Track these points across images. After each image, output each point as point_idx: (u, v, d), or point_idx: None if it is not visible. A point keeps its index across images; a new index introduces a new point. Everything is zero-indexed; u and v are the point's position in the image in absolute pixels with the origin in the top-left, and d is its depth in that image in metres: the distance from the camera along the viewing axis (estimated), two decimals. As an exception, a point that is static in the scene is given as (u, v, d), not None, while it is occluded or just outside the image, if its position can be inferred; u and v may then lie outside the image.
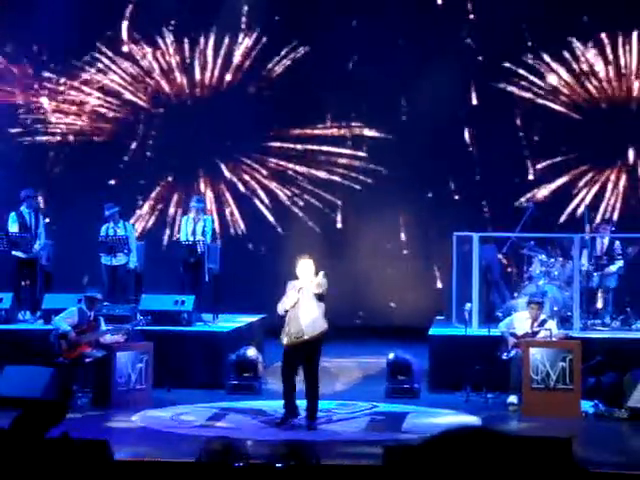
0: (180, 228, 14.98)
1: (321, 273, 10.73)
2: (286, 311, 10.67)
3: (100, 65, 18.02)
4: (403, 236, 17.79)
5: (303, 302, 10.64)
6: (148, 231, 17.71)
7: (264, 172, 18.01)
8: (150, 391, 12.18)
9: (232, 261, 15.54)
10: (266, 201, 17.96)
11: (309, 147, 18.00)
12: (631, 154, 17.28)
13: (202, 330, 13.73)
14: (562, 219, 16.99)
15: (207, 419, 11.40)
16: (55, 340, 12.07)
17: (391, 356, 12.72)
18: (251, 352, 12.94)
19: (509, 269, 15.41)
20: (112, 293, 14.47)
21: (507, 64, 17.42)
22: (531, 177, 17.55)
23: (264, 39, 17.83)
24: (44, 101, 18.09)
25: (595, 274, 14.05)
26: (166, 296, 13.86)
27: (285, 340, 10.69)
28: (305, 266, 10.74)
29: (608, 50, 17.37)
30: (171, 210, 17.92)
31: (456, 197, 17.62)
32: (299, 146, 17.96)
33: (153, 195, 18.04)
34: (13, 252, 14.27)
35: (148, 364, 12.15)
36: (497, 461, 3.98)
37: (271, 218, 17.89)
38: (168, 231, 17.70)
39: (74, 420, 9.69)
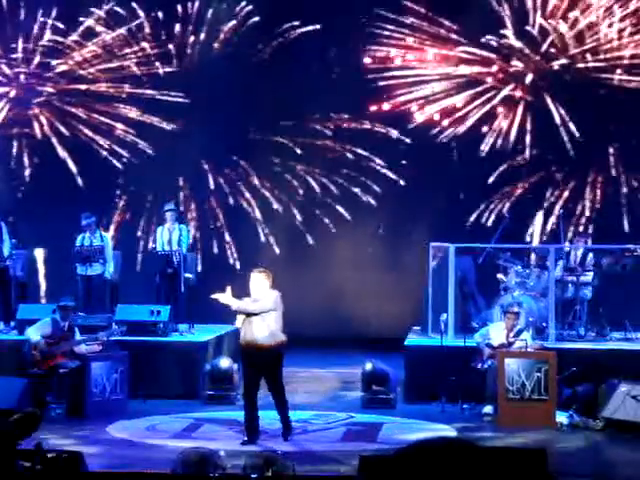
0: (155, 238, 14.93)
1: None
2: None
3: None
4: (378, 246, 17.81)
5: (254, 318, 10.44)
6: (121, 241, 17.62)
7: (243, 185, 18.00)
8: (125, 401, 12.14)
9: (208, 271, 15.54)
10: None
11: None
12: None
13: (178, 340, 13.69)
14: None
15: (182, 430, 11.37)
16: (28, 351, 12.00)
17: (368, 366, 12.72)
18: (224, 362, 12.91)
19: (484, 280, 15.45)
20: (87, 303, 14.41)
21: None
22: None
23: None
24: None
25: (570, 285, 14.12)
26: (142, 306, 13.81)
27: (241, 345, 10.61)
28: (255, 280, 10.58)
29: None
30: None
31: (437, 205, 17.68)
32: (277, 160, 17.92)
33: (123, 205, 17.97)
34: None
35: (123, 374, 12.11)
36: (472, 472, 3.99)
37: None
38: (142, 241, 17.66)
39: (48, 431, 9.63)
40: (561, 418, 11.58)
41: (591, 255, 14.25)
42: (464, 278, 14.19)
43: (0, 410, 9.51)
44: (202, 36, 17.88)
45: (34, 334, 11.98)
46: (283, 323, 10.62)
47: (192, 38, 17.87)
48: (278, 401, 10.64)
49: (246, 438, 10.48)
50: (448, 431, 11.26)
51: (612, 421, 11.31)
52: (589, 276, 14.17)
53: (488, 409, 11.92)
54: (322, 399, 13.30)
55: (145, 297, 14.54)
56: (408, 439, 10.55)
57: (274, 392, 10.62)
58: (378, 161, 17.69)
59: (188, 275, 14.58)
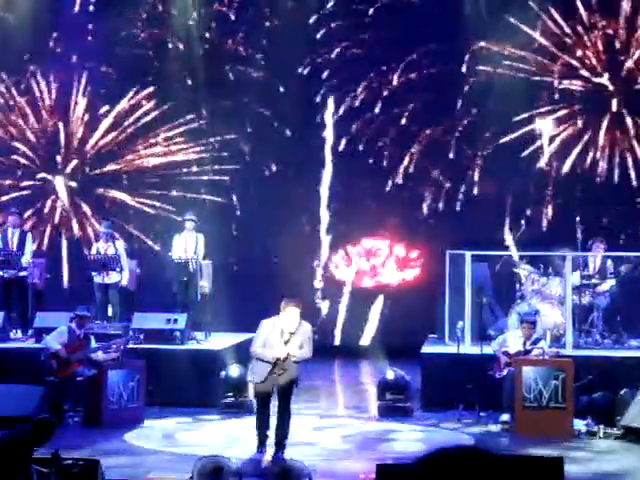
0: (172, 246, 14.95)
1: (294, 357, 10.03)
2: (262, 360, 10.06)
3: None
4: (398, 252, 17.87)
5: (290, 352, 10.04)
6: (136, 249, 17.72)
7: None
8: (142, 409, 12.14)
9: (223, 279, 15.57)
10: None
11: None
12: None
13: (194, 348, 13.69)
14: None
15: (199, 437, 11.36)
16: (46, 359, 12.03)
17: (390, 375, 12.69)
18: (234, 371, 12.86)
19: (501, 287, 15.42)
20: (104, 311, 14.45)
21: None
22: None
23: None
24: None
25: (587, 292, 14.06)
26: (158, 314, 13.83)
27: (265, 383, 10.08)
28: (293, 314, 9.98)
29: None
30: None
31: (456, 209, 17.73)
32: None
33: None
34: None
35: (140, 382, 12.11)
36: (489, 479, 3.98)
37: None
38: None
39: (65, 439, 9.65)
40: (579, 426, 11.54)
41: (610, 262, 14.19)
42: (481, 286, 14.15)
43: (17, 418, 9.54)
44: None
45: (53, 343, 12.01)
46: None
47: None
48: (285, 419, 10.28)
49: (262, 446, 10.43)
50: (465, 439, 11.22)
51: (630, 429, 11.25)
52: (608, 283, 14.10)
53: (505, 417, 11.87)
54: (339, 407, 13.28)
55: (161, 305, 14.59)
56: (425, 447, 10.54)
57: (283, 411, 10.24)
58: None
59: (203, 283, 14.60)
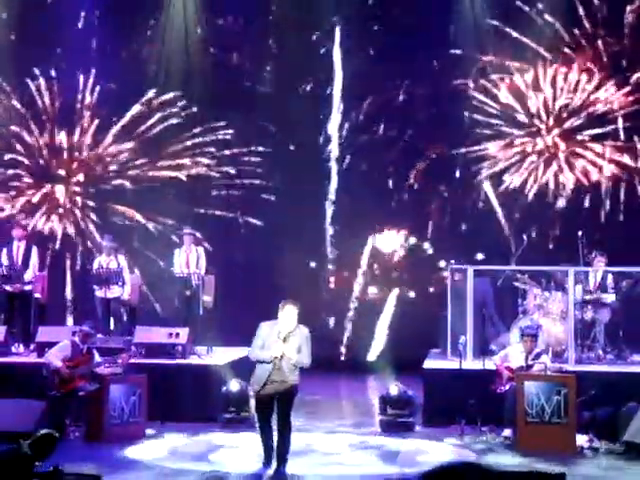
0: (174, 261, 14.96)
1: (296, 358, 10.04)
2: (260, 361, 10.13)
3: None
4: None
5: (287, 352, 10.10)
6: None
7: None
8: (144, 424, 12.12)
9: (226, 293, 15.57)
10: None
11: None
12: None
13: (196, 363, 13.68)
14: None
15: (201, 453, 11.34)
16: (48, 374, 12.02)
17: (393, 390, 12.67)
18: (235, 386, 12.85)
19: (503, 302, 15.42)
20: (106, 325, 14.45)
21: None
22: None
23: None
24: None
25: (589, 307, 14.05)
26: (160, 328, 13.82)
27: (265, 390, 10.11)
28: (290, 312, 10.05)
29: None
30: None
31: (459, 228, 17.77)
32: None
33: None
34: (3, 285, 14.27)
35: (142, 397, 12.10)
36: (491, 496, 3.97)
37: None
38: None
39: (66, 454, 9.63)
40: (581, 442, 11.51)
41: (611, 277, 14.19)
42: (483, 300, 14.15)
43: (18, 433, 9.53)
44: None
45: (55, 359, 11.99)
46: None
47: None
48: (285, 434, 10.23)
49: (265, 460, 10.42)
50: (467, 455, 11.20)
51: (633, 445, 11.22)
52: (610, 298, 14.09)
53: (507, 432, 11.85)
54: (341, 422, 13.26)
55: (163, 319, 14.60)
56: (428, 463, 10.52)
57: (284, 424, 10.19)
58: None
59: (206, 297, 14.60)
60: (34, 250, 14.69)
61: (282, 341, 10.03)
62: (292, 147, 18.21)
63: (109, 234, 15.20)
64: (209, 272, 14.98)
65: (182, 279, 14.56)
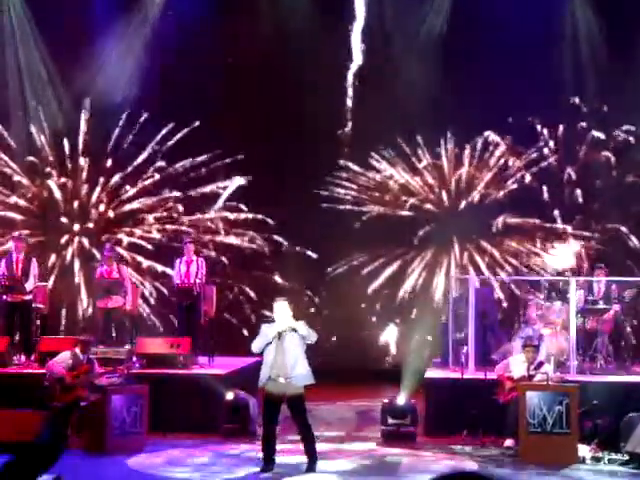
0: (174, 270, 14.94)
1: (300, 323, 10.52)
2: (261, 353, 10.51)
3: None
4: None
5: (289, 347, 10.39)
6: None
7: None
8: (145, 435, 12.10)
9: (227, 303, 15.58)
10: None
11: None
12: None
13: (198, 373, 13.66)
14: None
15: (202, 463, 11.32)
16: (50, 384, 12.00)
17: (400, 400, 12.66)
18: (230, 396, 12.81)
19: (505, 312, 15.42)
20: (108, 336, 14.43)
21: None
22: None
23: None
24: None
25: (591, 317, 14.04)
26: (162, 339, 13.80)
27: (269, 385, 10.41)
28: (281, 308, 10.53)
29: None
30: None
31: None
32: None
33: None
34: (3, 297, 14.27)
35: (143, 408, 12.07)
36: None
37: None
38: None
39: (68, 465, 9.61)
40: (583, 452, 11.49)
41: (614, 286, 14.18)
42: (484, 311, 14.14)
43: (19, 444, 9.51)
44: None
45: (56, 368, 11.98)
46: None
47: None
48: (307, 435, 10.59)
49: (264, 465, 10.51)
50: (469, 465, 11.17)
51: (635, 455, 11.20)
52: (613, 308, 14.08)
53: (509, 443, 11.83)
54: (342, 432, 13.24)
55: (164, 329, 14.59)
56: (429, 473, 10.49)
57: (303, 427, 10.51)
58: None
59: (207, 308, 14.58)
60: (34, 262, 14.67)
61: (278, 337, 10.38)
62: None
63: (110, 244, 15.19)
64: (210, 282, 14.97)
65: (183, 289, 14.54)
